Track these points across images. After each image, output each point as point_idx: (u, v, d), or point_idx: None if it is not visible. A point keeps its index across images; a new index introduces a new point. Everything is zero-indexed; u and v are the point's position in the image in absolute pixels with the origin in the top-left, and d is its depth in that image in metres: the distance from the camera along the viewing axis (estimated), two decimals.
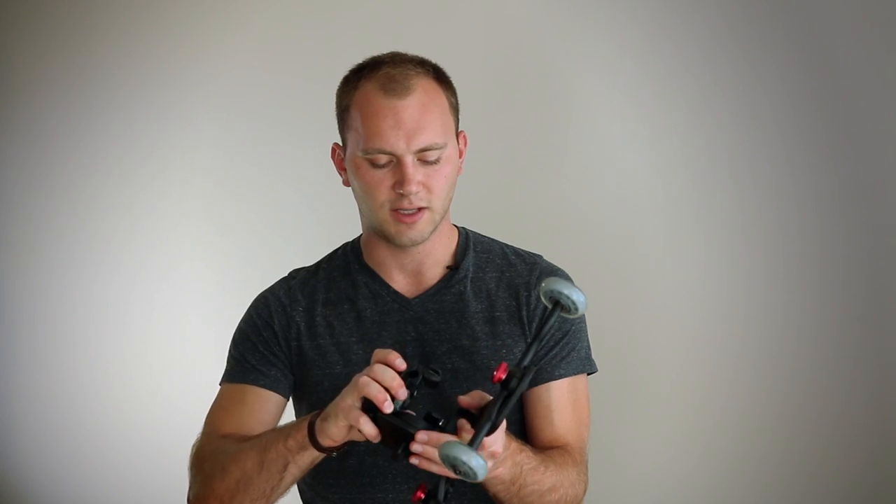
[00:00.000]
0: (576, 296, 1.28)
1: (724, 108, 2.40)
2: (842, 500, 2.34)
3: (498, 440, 1.32)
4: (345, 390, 1.36)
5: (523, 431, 1.64)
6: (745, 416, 2.41)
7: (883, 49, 2.26)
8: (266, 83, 2.79)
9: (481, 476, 1.17)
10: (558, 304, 1.29)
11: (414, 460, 1.30)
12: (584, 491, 1.59)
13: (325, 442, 1.39)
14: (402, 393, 1.31)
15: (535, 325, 1.60)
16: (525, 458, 1.44)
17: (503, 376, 1.26)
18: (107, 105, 2.93)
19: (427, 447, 1.28)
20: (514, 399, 1.26)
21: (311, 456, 1.42)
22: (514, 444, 1.42)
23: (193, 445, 1.59)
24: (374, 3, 2.67)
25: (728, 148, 2.40)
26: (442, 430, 1.30)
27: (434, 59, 1.60)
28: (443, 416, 1.32)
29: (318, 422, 1.40)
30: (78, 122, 2.96)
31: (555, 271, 1.65)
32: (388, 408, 1.30)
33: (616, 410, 2.44)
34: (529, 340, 1.30)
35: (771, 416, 2.39)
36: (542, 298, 1.31)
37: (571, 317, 1.31)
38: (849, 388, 2.32)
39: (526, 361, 1.27)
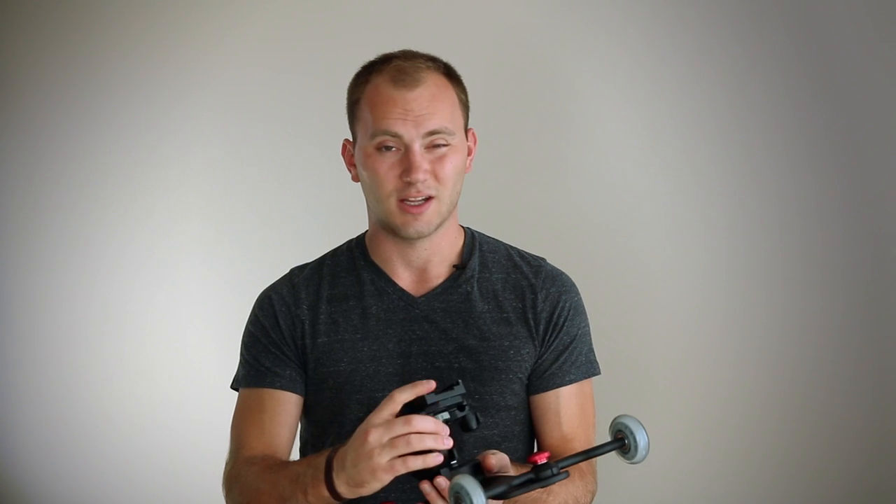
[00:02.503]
0: (642, 440, 1.27)
1: (727, 110, 2.39)
2: (841, 502, 2.34)
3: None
4: (365, 446, 1.28)
5: (530, 435, 1.66)
6: (745, 418, 2.40)
7: (886, 50, 2.26)
8: (266, 83, 2.79)
9: None
10: (621, 440, 1.29)
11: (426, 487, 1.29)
12: (593, 496, 1.60)
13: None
14: (448, 442, 1.27)
15: (541, 327, 1.61)
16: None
17: (541, 462, 1.25)
18: (107, 104, 2.93)
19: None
20: (536, 487, 1.26)
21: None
22: None
23: (226, 464, 1.59)
24: (374, 3, 2.67)
25: (730, 150, 2.39)
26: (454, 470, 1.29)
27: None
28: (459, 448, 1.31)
29: (342, 484, 1.34)
30: (78, 121, 2.95)
31: (559, 275, 1.66)
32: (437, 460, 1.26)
33: (616, 412, 2.44)
34: (577, 454, 1.29)
35: (771, 418, 2.39)
36: (609, 430, 1.30)
37: (626, 459, 1.29)
38: (848, 391, 2.32)
39: (566, 464, 1.27)
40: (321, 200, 2.69)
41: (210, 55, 2.85)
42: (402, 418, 1.27)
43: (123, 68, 2.90)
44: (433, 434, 1.26)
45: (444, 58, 1.62)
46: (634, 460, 1.29)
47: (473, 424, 1.32)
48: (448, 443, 1.26)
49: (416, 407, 1.29)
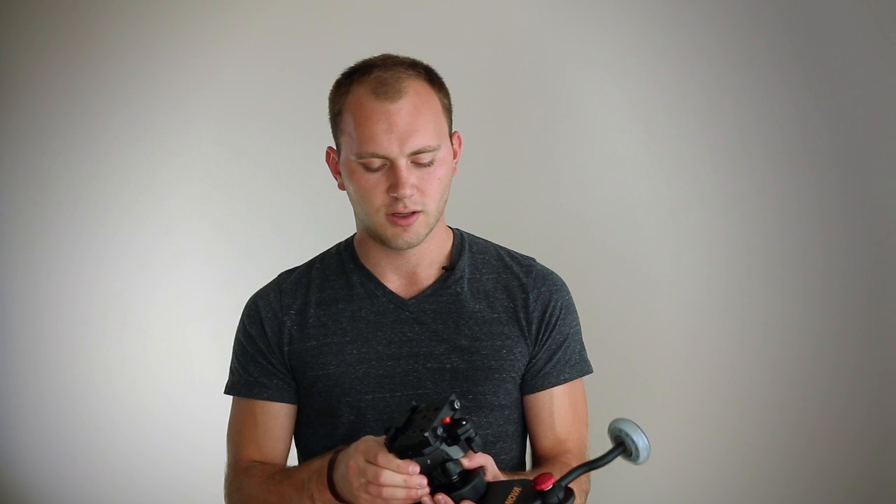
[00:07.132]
0: (641, 442, 1.27)
1: (726, 110, 2.38)
2: (841, 503, 2.33)
3: None
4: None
5: (523, 434, 1.66)
6: (745, 419, 2.40)
7: (889, 52, 2.25)
8: (266, 82, 2.79)
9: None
10: (622, 444, 1.29)
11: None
12: (586, 495, 1.59)
13: None
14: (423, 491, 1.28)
15: (533, 326, 1.61)
16: None
17: (546, 488, 1.24)
18: (106, 104, 2.93)
19: None
20: None
21: None
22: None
23: (226, 474, 1.62)
24: (373, 2, 2.67)
25: (728, 149, 2.38)
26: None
27: (430, 57, 1.59)
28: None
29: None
30: (77, 121, 2.96)
31: (549, 274, 1.66)
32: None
33: (615, 413, 2.42)
34: (578, 466, 1.30)
35: (771, 419, 2.38)
36: (608, 435, 1.31)
37: (631, 461, 1.30)
38: (848, 393, 2.31)
39: (566, 482, 1.26)
40: (321, 200, 2.68)
41: (210, 55, 2.85)
42: (373, 468, 1.28)
43: (123, 67, 2.90)
44: (404, 487, 1.27)
45: (441, 56, 1.61)
46: (639, 462, 1.28)
47: (477, 445, 1.29)
48: (422, 492, 1.27)
49: (415, 446, 1.27)
